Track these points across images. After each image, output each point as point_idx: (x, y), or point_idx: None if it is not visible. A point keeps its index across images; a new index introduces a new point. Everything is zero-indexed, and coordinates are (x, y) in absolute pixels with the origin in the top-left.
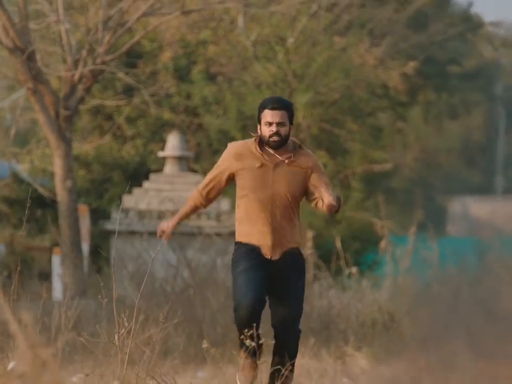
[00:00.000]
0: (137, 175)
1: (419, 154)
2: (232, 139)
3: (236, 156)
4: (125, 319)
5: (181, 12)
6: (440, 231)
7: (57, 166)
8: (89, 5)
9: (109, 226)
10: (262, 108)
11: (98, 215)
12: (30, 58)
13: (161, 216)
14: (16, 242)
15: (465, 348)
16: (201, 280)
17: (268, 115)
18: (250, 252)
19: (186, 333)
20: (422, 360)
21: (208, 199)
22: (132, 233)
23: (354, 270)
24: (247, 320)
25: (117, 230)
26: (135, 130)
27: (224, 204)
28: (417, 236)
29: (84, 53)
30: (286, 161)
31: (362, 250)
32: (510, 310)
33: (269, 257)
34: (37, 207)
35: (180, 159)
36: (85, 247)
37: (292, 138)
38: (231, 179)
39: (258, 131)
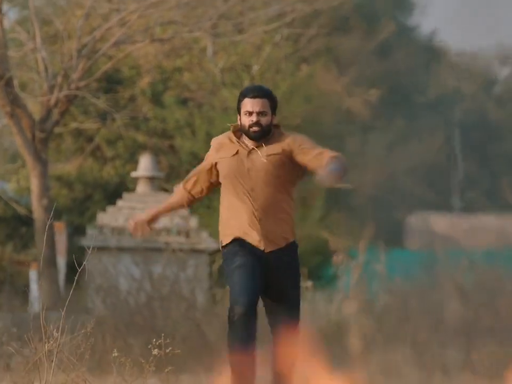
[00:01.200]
0: (116, 194)
1: (378, 175)
2: (201, 160)
3: (217, 147)
4: (54, 330)
5: (151, 40)
6: (397, 244)
7: (34, 185)
8: (64, 33)
9: (84, 242)
10: (242, 96)
11: (79, 232)
12: (8, 84)
13: None
14: (3, 257)
15: (409, 357)
16: (164, 293)
17: (248, 104)
18: (242, 246)
19: (145, 342)
20: (363, 369)
21: (191, 194)
22: (105, 249)
23: (309, 284)
24: (240, 325)
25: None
26: (115, 152)
27: (192, 221)
28: (373, 249)
29: (59, 79)
30: (258, 147)
31: (321, 265)
32: (453, 320)
33: (261, 248)
34: (21, 224)
35: (151, 179)
36: (62, 262)
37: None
38: (213, 172)
39: (238, 122)
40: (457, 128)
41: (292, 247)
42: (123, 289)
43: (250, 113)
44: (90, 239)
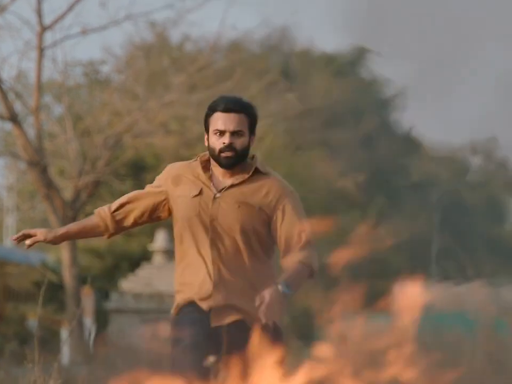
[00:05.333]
0: (140, 264)
1: (363, 247)
2: None
3: (174, 179)
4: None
5: (166, 133)
6: (382, 310)
7: (64, 257)
8: (93, 128)
9: (107, 305)
10: (211, 110)
11: (107, 296)
12: (44, 170)
13: (150, 296)
14: (44, 318)
15: None
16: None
17: (219, 120)
18: (193, 323)
19: None
20: None
21: (118, 224)
22: (124, 311)
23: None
24: None
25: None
26: (140, 228)
27: None
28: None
29: (87, 166)
30: (231, 188)
31: (308, 326)
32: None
33: (217, 324)
34: (59, 289)
35: (166, 251)
36: (89, 321)
37: (255, 155)
38: (161, 208)
39: (205, 142)
40: (435, 207)
41: (266, 330)
42: (136, 346)
43: (221, 133)
44: (112, 302)
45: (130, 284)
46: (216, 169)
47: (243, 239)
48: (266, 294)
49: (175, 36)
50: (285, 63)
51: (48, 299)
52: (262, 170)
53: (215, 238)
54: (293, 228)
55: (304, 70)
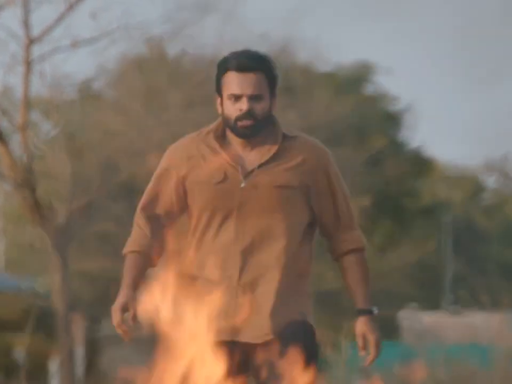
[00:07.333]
0: None
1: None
2: None
3: (186, 161)
4: None
5: (161, 151)
6: (389, 338)
7: (56, 282)
8: (86, 148)
9: (98, 333)
10: (223, 68)
11: (99, 323)
12: (32, 192)
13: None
14: (33, 347)
15: None
16: None
17: (234, 81)
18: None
19: None
20: None
21: (160, 236)
22: (114, 338)
23: None
24: None
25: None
26: None
27: None
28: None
29: (80, 187)
30: (260, 166)
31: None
32: None
33: (236, 339)
34: (49, 316)
35: None
36: (80, 351)
37: (274, 117)
38: (182, 196)
39: (218, 108)
40: (448, 231)
41: (304, 325)
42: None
43: (237, 98)
44: (105, 330)
45: None
46: (235, 141)
47: (282, 228)
48: (369, 334)
49: (171, 49)
50: (286, 79)
51: (36, 327)
52: (290, 134)
53: (242, 228)
54: (339, 202)
55: (306, 86)
